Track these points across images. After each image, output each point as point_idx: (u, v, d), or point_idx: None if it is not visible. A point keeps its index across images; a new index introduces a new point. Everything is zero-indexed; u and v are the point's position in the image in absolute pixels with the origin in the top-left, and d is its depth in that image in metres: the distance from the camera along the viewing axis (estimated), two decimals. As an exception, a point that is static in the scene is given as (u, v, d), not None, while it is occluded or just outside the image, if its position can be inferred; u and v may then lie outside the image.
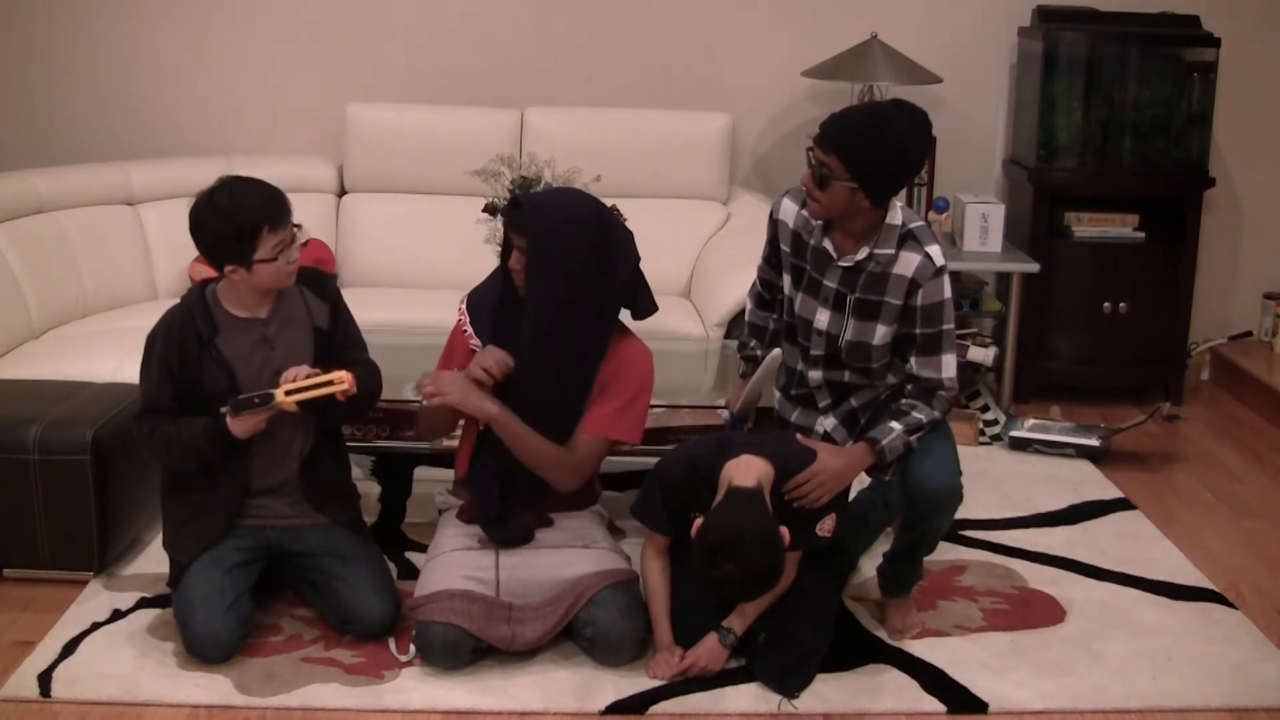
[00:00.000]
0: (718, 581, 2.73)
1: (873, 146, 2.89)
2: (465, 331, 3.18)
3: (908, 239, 3.01)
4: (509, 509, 3.11)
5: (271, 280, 3.04)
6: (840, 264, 3.03)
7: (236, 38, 5.09)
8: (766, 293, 3.33)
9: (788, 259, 3.15)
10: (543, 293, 3.01)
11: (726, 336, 4.31)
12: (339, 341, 3.18)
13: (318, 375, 3.00)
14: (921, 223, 3.04)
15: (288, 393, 2.97)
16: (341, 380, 2.99)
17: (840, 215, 2.98)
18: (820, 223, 3.05)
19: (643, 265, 3.18)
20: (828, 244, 3.05)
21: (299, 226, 3.10)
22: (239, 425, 2.99)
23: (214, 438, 3.00)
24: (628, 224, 3.21)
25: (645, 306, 3.19)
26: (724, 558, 2.69)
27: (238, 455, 3.07)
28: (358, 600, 3.09)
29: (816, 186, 2.95)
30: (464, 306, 3.22)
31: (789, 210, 3.14)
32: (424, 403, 3.05)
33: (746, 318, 3.40)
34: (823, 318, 3.09)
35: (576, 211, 3.07)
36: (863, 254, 3.01)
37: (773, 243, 3.22)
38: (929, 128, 2.96)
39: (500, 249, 3.20)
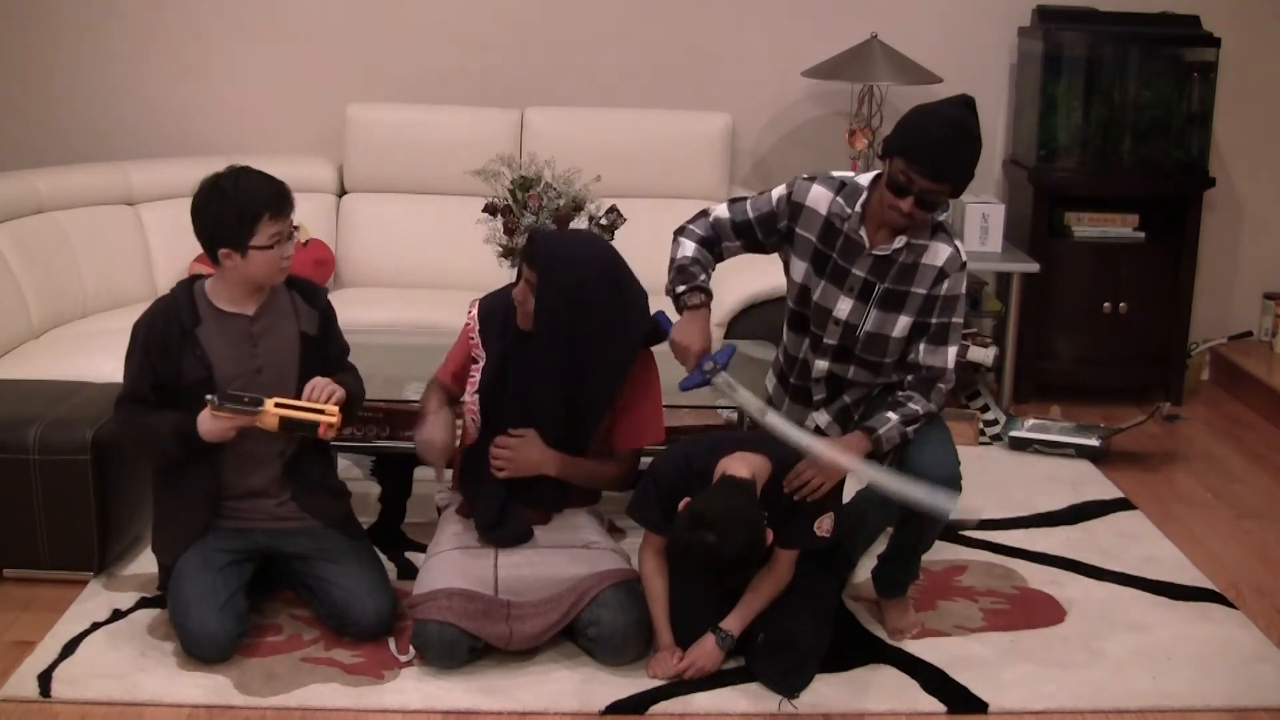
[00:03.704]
0: (695, 548, 2.73)
1: (972, 161, 2.94)
2: (472, 339, 3.19)
3: (939, 230, 3.04)
4: (508, 509, 3.11)
5: (263, 271, 3.04)
6: (874, 252, 3.04)
7: (236, 38, 5.09)
8: (714, 238, 3.16)
9: (809, 245, 3.11)
10: (550, 331, 3.03)
11: (726, 336, 4.31)
12: (329, 351, 3.19)
13: (315, 404, 2.99)
14: (945, 216, 3.06)
15: (278, 404, 2.96)
16: (332, 415, 2.97)
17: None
18: (857, 211, 3.04)
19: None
20: (863, 233, 3.05)
21: (298, 227, 3.11)
22: (211, 424, 2.97)
23: (181, 434, 3.00)
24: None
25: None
26: (706, 527, 2.71)
27: (206, 457, 3.06)
28: (353, 603, 3.09)
29: (921, 209, 2.94)
30: (474, 313, 3.22)
31: (821, 197, 3.09)
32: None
33: (690, 253, 3.12)
34: (844, 306, 3.08)
35: (592, 254, 3.09)
36: (899, 243, 3.01)
37: (767, 220, 3.13)
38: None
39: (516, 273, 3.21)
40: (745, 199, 3.19)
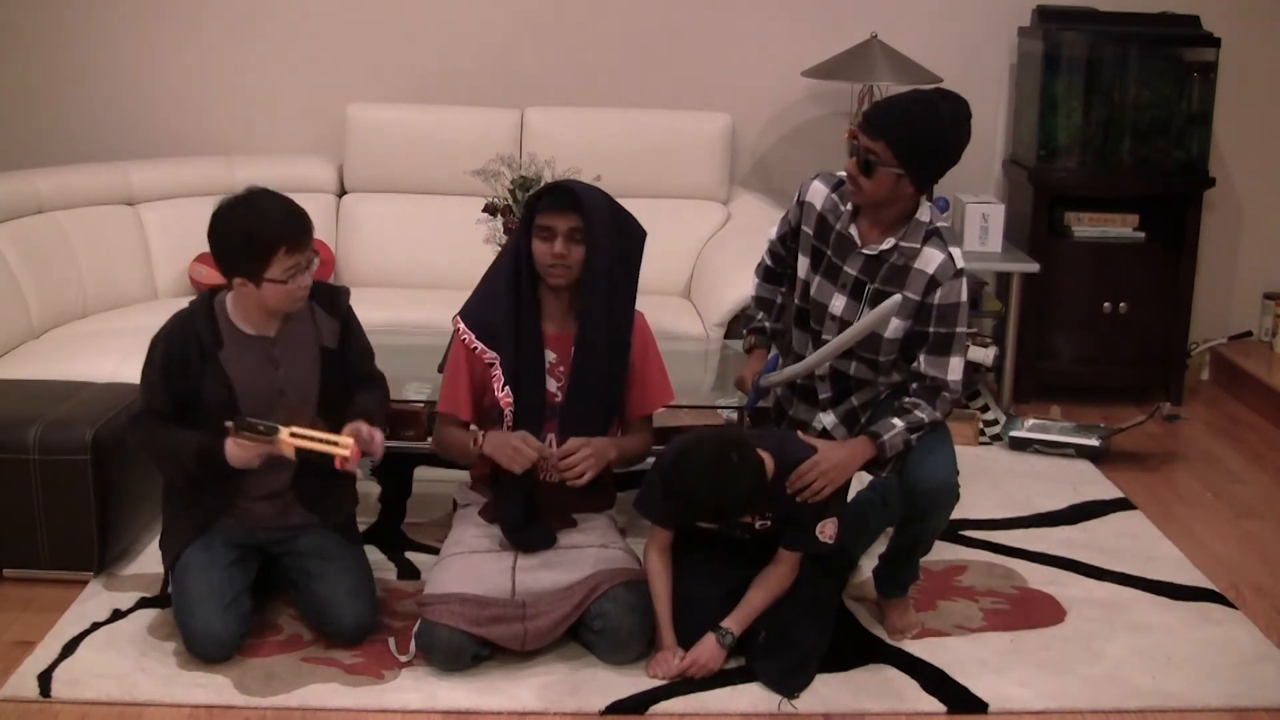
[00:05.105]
0: (699, 467, 2.79)
1: (920, 133, 2.93)
2: (475, 349, 3.12)
3: (933, 236, 3.03)
4: (534, 514, 3.12)
5: (277, 303, 2.98)
6: (864, 251, 3.04)
7: (236, 38, 5.09)
8: (777, 266, 3.33)
9: (809, 241, 3.15)
10: (598, 272, 3.06)
11: (727, 336, 4.31)
12: (350, 359, 3.16)
13: (330, 435, 2.95)
14: (947, 224, 3.05)
15: (293, 434, 2.92)
16: (345, 448, 2.92)
17: (882, 202, 3.00)
18: (849, 208, 3.07)
19: (644, 265, 3.20)
20: (853, 230, 3.06)
21: (316, 253, 3.02)
22: (237, 451, 2.93)
23: (205, 458, 2.96)
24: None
25: None
26: (732, 446, 2.80)
27: (227, 475, 3.02)
28: (333, 602, 3.07)
29: (861, 173, 2.96)
30: (462, 324, 3.16)
31: (818, 192, 3.15)
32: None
33: (754, 291, 3.40)
34: (838, 303, 3.09)
35: (601, 192, 3.18)
36: (888, 244, 3.02)
37: (793, 225, 3.22)
38: (970, 116, 2.99)
39: (504, 245, 3.19)
40: (786, 213, 3.28)
